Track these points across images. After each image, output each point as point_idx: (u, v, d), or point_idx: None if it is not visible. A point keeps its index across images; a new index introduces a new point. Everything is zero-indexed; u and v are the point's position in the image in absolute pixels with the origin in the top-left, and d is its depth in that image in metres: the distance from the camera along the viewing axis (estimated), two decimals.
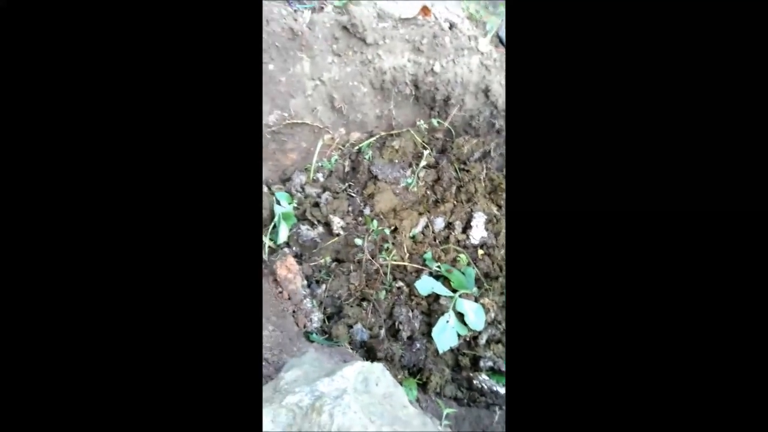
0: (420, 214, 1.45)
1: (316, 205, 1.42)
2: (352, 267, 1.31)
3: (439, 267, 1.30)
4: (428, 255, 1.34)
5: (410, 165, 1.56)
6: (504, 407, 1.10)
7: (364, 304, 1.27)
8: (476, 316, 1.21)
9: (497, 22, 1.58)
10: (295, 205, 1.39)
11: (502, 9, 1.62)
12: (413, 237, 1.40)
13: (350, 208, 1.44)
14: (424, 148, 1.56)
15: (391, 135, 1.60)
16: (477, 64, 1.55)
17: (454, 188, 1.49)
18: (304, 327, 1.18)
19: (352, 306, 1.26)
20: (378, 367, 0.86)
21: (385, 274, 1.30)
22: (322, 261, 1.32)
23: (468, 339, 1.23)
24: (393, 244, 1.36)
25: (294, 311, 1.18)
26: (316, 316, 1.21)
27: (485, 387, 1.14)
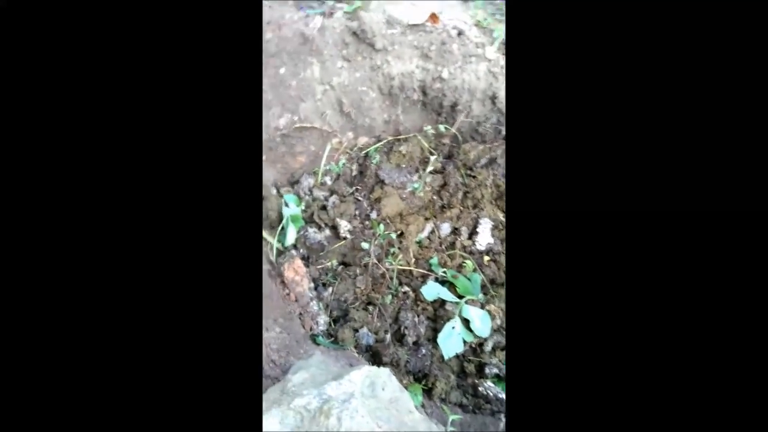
0: (426, 219, 1.45)
1: (324, 208, 1.43)
2: (358, 271, 1.32)
3: (445, 272, 1.30)
4: (434, 260, 1.35)
5: (417, 170, 1.56)
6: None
7: (370, 308, 1.27)
8: (482, 322, 1.20)
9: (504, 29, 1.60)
10: (303, 208, 1.40)
11: None
12: (419, 242, 1.41)
13: (357, 212, 1.45)
14: (431, 153, 1.57)
15: (399, 140, 1.61)
16: (484, 71, 1.56)
17: (460, 194, 1.49)
18: (311, 330, 1.18)
19: (358, 310, 1.26)
20: (385, 371, 0.86)
21: (391, 278, 1.31)
22: (329, 264, 1.32)
23: (473, 345, 1.22)
24: (399, 248, 1.36)
25: (301, 314, 1.19)
26: (323, 319, 1.21)
27: (490, 394, 1.14)
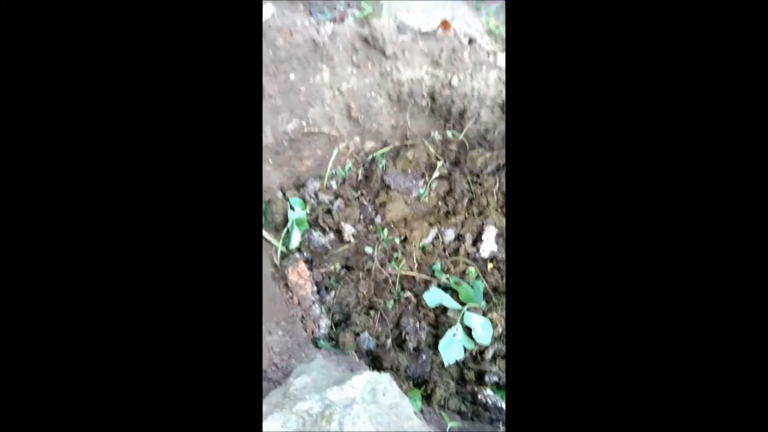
0: (431, 224, 1.46)
1: (329, 212, 1.44)
2: (361, 275, 1.33)
3: (447, 279, 1.31)
4: (437, 266, 1.35)
5: (423, 175, 1.57)
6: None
7: (372, 312, 1.28)
8: (483, 330, 1.21)
9: None
10: (309, 211, 1.41)
11: None
12: (423, 247, 1.41)
13: (362, 216, 1.46)
14: (438, 159, 1.58)
15: (406, 145, 1.62)
16: (494, 78, 1.57)
17: (465, 200, 1.50)
18: (312, 333, 1.20)
19: (359, 314, 1.27)
20: (385, 377, 0.88)
21: (394, 283, 1.32)
22: (332, 268, 1.34)
23: (474, 353, 1.23)
24: (402, 253, 1.37)
25: (303, 317, 1.20)
26: (324, 323, 1.22)
27: (489, 402, 1.15)
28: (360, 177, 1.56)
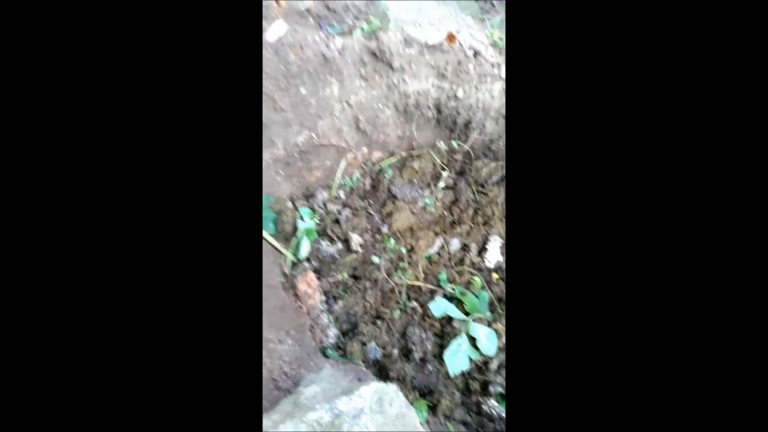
0: (436, 234, 1.48)
1: (337, 221, 1.47)
2: (368, 284, 1.35)
3: (453, 289, 1.33)
4: (443, 276, 1.37)
5: (429, 185, 1.59)
6: None
7: (379, 322, 1.30)
8: (488, 341, 1.22)
9: None
10: (317, 221, 1.44)
11: None
12: (429, 257, 1.43)
13: (369, 226, 1.49)
14: (443, 169, 1.60)
15: (412, 155, 1.65)
16: (499, 90, 1.59)
17: (471, 210, 1.51)
18: (320, 342, 1.22)
19: (367, 324, 1.29)
20: (392, 388, 0.90)
21: (400, 293, 1.34)
22: (340, 277, 1.36)
23: (479, 364, 1.24)
24: (409, 263, 1.39)
25: (311, 326, 1.23)
26: (332, 332, 1.24)
27: (494, 413, 1.16)
28: (367, 187, 1.59)
